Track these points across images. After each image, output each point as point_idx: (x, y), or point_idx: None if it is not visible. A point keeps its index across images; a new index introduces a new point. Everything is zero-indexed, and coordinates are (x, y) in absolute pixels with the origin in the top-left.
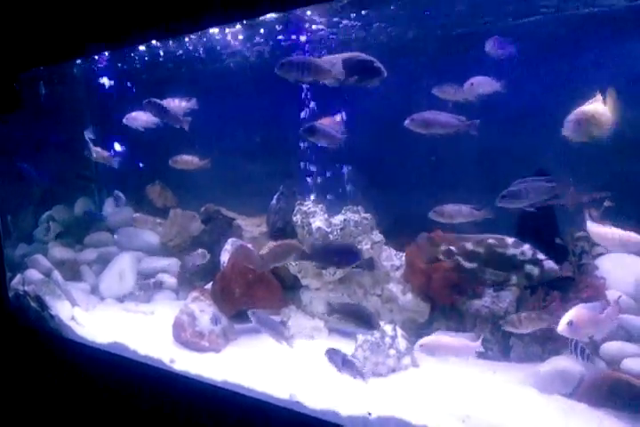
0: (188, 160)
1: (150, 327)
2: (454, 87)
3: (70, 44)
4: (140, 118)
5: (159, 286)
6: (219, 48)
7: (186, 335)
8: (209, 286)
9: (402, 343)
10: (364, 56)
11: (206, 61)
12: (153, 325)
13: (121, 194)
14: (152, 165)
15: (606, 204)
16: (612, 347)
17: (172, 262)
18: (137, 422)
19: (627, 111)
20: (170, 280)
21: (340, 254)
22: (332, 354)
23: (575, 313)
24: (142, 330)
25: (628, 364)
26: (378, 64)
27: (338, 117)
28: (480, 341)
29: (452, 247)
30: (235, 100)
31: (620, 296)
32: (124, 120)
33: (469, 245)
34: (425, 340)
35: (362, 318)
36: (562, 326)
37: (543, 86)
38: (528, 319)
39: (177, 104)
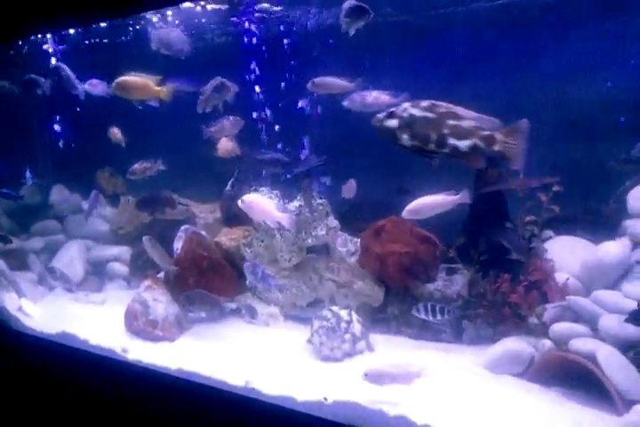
0: (145, 168)
1: (101, 317)
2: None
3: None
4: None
5: None
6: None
7: (139, 324)
8: (162, 274)
9: (357, 328)
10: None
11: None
12: (104, 314)
13: (101, 196)
14: (101, 151)
15: (555, 188)
16: (560, 328)
17: (122, 251)
18: (89, 412)
19: (574, 100)
20: (121, 269)
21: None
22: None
23: (414, 202)
24: (93, 320)
25: (576, 344)
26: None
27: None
28: (421, 369)
29: None
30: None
31: (567, 278)
32: (86, 86)
33: None
34: (369, 370)
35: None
36: (404, 213)
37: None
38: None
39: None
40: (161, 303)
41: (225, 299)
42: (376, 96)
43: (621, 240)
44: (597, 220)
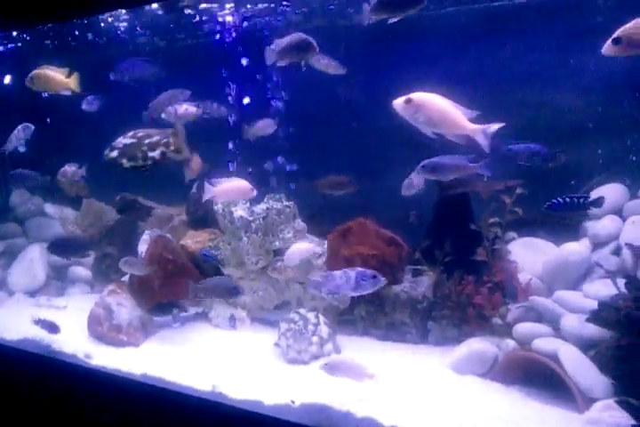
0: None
1: (64, 322)
2: None
3: None
4: None
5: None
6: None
7: (102, 330)
8: (126, 278)
9: (324, 330)
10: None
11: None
12: (66, 319)
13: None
14: (64, 152)
15: (518, 191)
16: (523, 328)
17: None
18: (52, 420)
19: (538, 105)
20: (84, 273)
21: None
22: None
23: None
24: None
25: (539, 344)
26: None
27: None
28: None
29: None
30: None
31: (530, 279)
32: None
33: None
34: (329, 360)
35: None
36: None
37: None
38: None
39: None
40: (125, 308)
41: (190, 303)
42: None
43: (582, 241)
44: (559, 222)
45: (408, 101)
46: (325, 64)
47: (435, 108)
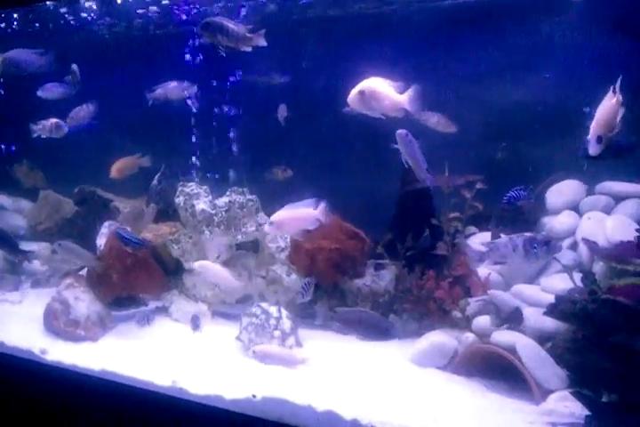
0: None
1: (18, 317)
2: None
3: None
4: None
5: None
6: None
7: (59, 324)
8: (84, 271)
9: (286, 324)
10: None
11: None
12: (21, 314)
13: None
14: (19, 144)
15: (478, 186)
16: (482, 321)
17: (41, 247)
18: (7, 416)
19: (496, 102)
20: (40, 267)
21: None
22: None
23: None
24: (9, 320)
25: (497, 337)
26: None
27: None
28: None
29: None
30: (111, 75)
31: (489, 273)
32: None
33: None
34: (258, 347)
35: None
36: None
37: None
38: None
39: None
40: (83, 302)
41: (150, 297)
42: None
43: None
44: (518, 216)
45: (361, 93)
46: (435, 122)
47: (381, 92)
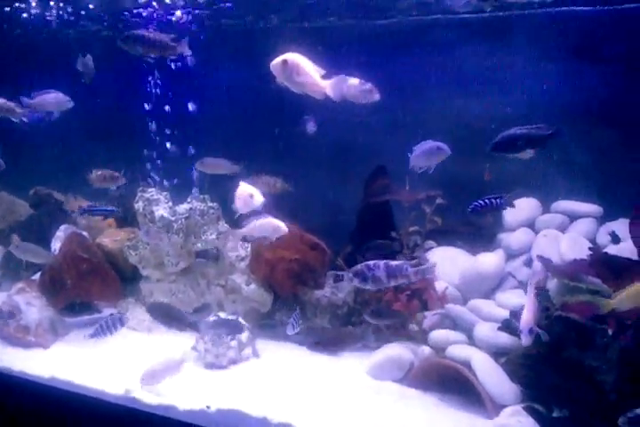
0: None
1: None
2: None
3: None
4: None
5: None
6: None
7: (9, 330)
8: (36, 276)
9: (244, 334)
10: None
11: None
12: None
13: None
14: None
15: (438, 201)
16: (438, 335)
17: None
18: None
19: (464, 117)
20: None
21: None
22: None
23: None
24: None
25: (453, 351)
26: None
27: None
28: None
29: None
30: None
31: (447, 287)
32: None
33: None
34: (142, 375)
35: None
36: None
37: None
38: None
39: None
40: (34, 307)
41: (105, 304)
42: None
43: (497, 252)
44: (475, 232)
45: (284, 63)
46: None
47: (304, 68)
